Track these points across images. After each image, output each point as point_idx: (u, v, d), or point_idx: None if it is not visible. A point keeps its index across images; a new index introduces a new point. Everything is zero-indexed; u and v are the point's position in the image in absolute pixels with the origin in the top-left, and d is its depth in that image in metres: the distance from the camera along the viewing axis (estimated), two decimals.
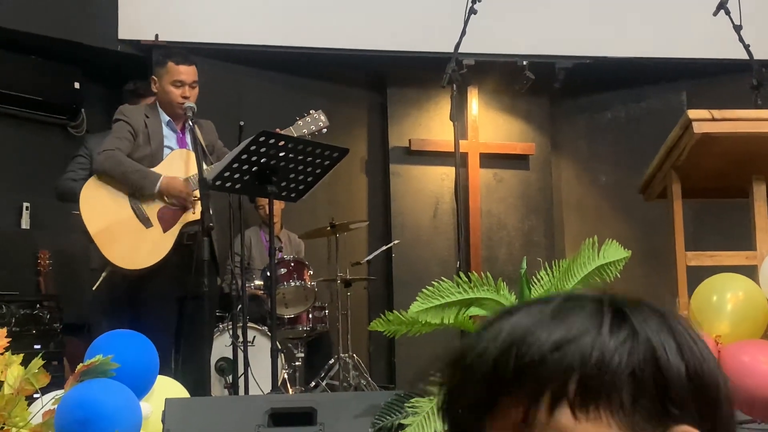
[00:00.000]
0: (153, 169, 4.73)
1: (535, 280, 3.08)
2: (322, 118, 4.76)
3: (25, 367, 3.02)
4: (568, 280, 3.04)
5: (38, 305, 5.82)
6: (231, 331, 5.29)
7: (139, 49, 6.66)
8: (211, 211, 4.51)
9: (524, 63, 7.20)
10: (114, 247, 4.61)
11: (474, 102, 7.71)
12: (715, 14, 5.04)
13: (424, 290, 2.94)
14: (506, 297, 2.94)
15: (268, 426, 2.87)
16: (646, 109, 7.86)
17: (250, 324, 5.36)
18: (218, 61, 6.72)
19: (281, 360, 5.69)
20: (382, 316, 3.00)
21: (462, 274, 3.05)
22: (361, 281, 6.97)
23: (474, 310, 2.94)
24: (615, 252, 3.11)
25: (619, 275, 3.17)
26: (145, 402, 3.19)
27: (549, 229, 7.98)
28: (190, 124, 4.75)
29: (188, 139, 4.85)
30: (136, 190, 4.71)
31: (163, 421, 2.98)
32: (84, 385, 3.00)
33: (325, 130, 4.74)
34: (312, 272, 6.20)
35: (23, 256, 6.40)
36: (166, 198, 4.68)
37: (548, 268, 3.12)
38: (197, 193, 4.58)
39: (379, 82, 7.79)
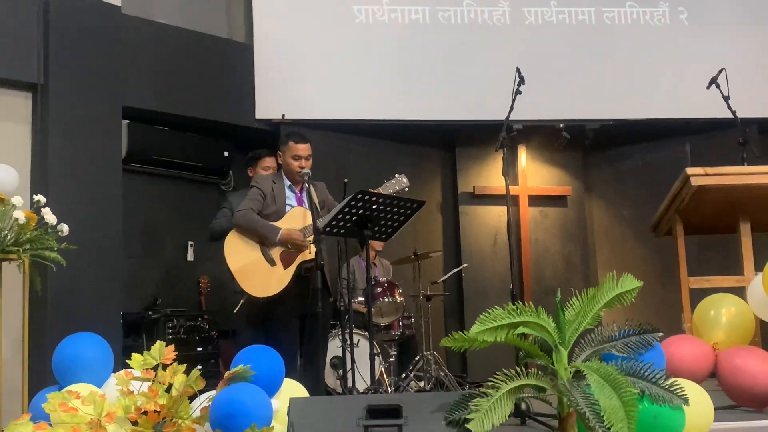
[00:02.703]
0: (276, 223, 4.84)
1: (569, 304, 3.04)
2: (404, 180, 4.85)
3: (187, 374, 3.05)
4: (594, 305, 3.02)
5: (199, 318, 6.12)
6: (341, 337, 5.39)
7: (270, 126, 6.89)
8: (323, 252, 4.56)
9: (561, 126, 7.28)
10: (248, 281, 4.78)
11: (523, 156, 7.90)
12: (707, 88, 5.19)
13: (481, 315, 2.93)
14: (545, 320, 2.94)
15: (366, 419, 2.88)
16: (658, 158, 7.89)
17: (355, 331, 5.42)
18: (329, 132, 6.92)
19: (379, 357, 5.80)
20: (452, 333, 3.02)
21: (511, 302, 3.11)
22: (439, 296, 7.05)
23: (521, 330, 2.93)
24: (630, 283, 3.05)
25: (634, 299, 3.05)
26: (275, 400, 3.25)
27: (584, 254, 8.08)
28: (306, 186, 4.85)
29: (305, 198, 4.93)
30: (263, 240, 4.85)
31: (288, 414, 2.96)
32: (230, 388, 3.04)
33: (407, 189, 4.81)
34: (401, 290, 6.28)
35: (189, 282, 6.63)
36: (286, 245, 4.79)
37: (578, 295, 3.05)
38: (311, 239, 4.72)
39: (449, 143, 7.95)
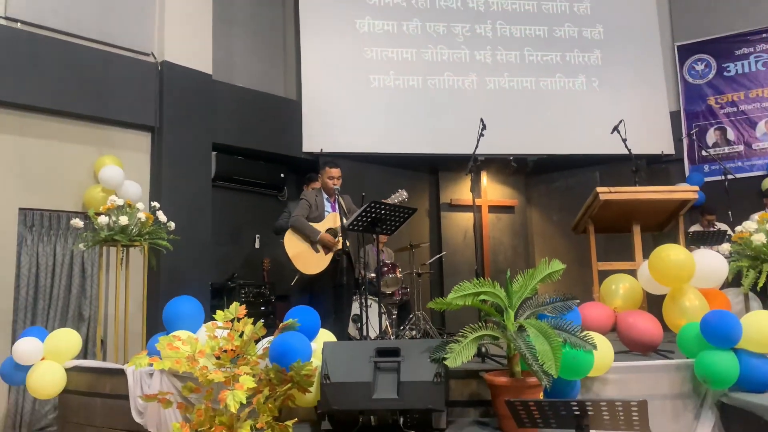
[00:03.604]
0: (316, 225, 4.76)
1: (516, 280, 3.02)
2: (405, 193, 4.82)
3: (254, 325, 3.04)
4: (532, 281, 3.02)
5: (263, 287, 6.15)
6: (359, 300, 5.38)
7: (312, 156, 6.83)
8: (347, 242, 4.65)
9: (511, 158, 7.08)
10: (300, 263, 4.71)
11: (485, 178, 7.84)
12: (611, 132, 5.08)
13: (455, 287, 2.96)
14: (499, 290, 2.95)
15: (375, 357, 2.88)
16: (577, 181, 7.81)
17: (369, 296, 5.24)
18: (352, 160, 6.80)
19: (385, 315, 5.60)
20: (435, 298, 3.01)
21: (476, 278, 3.05)
22: (426, 274, 6.88)
23: (482, 297, 2.94)
24: (556, 265, 3.06)
25: (560, 277, 3.06)
26: (314, 343, 3.25)
27: (526, 246, 8.03)
28: (337, 197, 4.84)
29: (336, 206, 4.87)
30: (308, 238, 4.77)
31: (323, 353, 2.98)
32: (283, 335, 3.08)
33: (406, 199, 4.78)
34: (400, 269, 6.22)
35: (256, 263, 6.61)
36: (322, 244, 4.71)
37: (522, 273, 3.05)
38: (340, 237, 4.69)
39: (434, 168, 7.85)
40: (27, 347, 3.60)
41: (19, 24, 4.82)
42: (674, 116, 7.83)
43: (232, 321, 3.02)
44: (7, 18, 4.77)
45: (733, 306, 3.84)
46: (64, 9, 5.08)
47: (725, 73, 7.66)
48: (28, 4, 4.87)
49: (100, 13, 5.31)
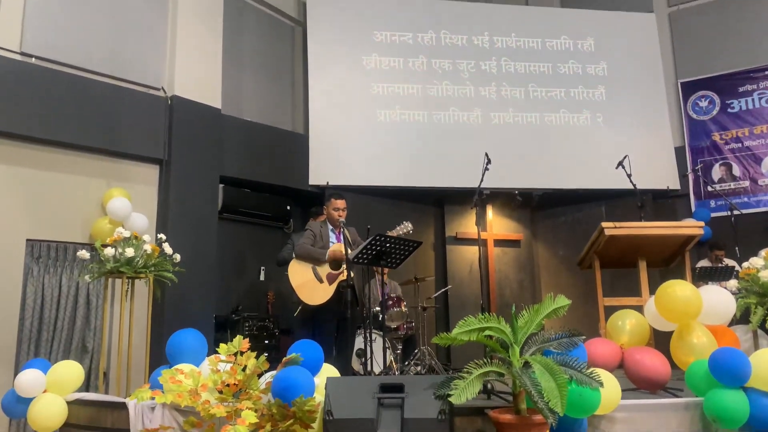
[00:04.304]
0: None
1: (521, 315, 2.97)
2: (409, 226, 4.74)
3: (257, 359, 3.03)
4: (538, 316, 2.96)
5: (267, 320, 6.04)
6: (363, 334, 5.22)
7: (319, 189, 6.81)
8: (352, 274, 4.48)
9: (516, 192, 7.32)
10: (304, 293, 4.69)
11: (490, 212, 7.79)
12: (616, 168, 5.15)
13: (460, 322, 2.93)
14: (504, 326, 2.91)
15: (379, 393, 2.84)
16: (582, 215, 7.81)
17: (373, 331, 5.10)
18: (358, 193, 6.77)
19: (389, 350, 5.67)
20: (440, 333, 2.97)
21: (481, 312, 3.02)
22: (432, 308, 6.74)
23: (487, 332, 2.91)
24: (562, 301, 3.02)
25: (566, 313, 3.00)
26: (317, 378, 3.20)
27: (532, 280, 7.94)
28: (342, 229, 4.82)
29: (341, 237, 4.84)
30: (316, 262, 4.72)
31: (326, 388, 2.93)
32: (286, 369, 3.04)
33: (411, 232, 4.69)
34: (405, 303, 6.07)
35: (260, 295, 6.52)
36: (331, 262, 4.63)
37: (527, 308, 3.00)
38: (345, 266, 4.60)
39: (440, 202, 7.82)
40: (29, 379, 3.58)
41: (33, 59, 4.93)
42: (679, 152, 7.85)
43: (235, 354, 3.01)
44: (22, 53, 4.87)
45: (741, 343, 3.80)
46: (78, 44, 5.20)
47: (729, 110, 7.71)
48: (43, 40, 4.98)
49: (112, 48, 5.42)
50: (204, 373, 3.05)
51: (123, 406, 3.40)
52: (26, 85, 4.79)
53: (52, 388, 3.65)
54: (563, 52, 8.03)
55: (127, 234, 4.45)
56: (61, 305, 4.85)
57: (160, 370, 3.16)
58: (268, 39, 7.27)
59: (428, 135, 7.41)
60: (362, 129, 7.23)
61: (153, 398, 2.89)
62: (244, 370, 2.96)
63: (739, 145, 7.61)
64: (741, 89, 7.67)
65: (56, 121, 4.94)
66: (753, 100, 7.60)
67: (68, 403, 3.65)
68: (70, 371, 3.70)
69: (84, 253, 4.45)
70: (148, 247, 4.46)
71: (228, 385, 2.90)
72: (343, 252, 4.61)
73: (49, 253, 4.87)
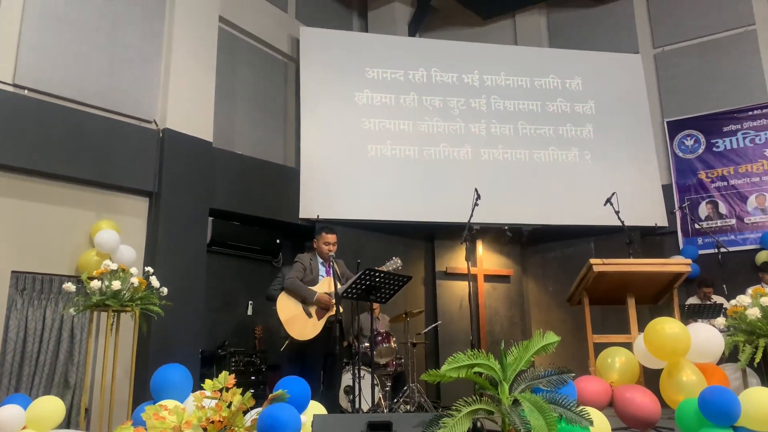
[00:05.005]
0: (312, 287, 4.70)
1: (510, 352, 2.97)
2: (399, 261, 4.73)
3: (243, 396, 2.98)
4: (527, 353, 2.97)
5: (254, 356, 5.97)
6: (351, 371, 5.30)
7: (309, 222, 6.81)
8: (341, 309, 4.49)
9: (506, 227, 7.34)
10: (292, 328, 4.60)
11: (480, 247, 7.80)
12: (605, 205, 5.19)
13: (449, 358, 2.92)
14: (493, 362, 2.90)
15: (367, 431, 2.81)
16: (572, 251, 7.82)
17: (362, 367, 5.29)
18: (348, 227, 6.83)
19: (378, 387, 5.63)
20: (430, 370, 2.98)
21: (471, 348, 3.00)
22: (421, 344, 6.78)
23: (476, 369, 2.90)
24: (551, 337, 3.03)
25: (555, 349, 3.02)
26: (303, 416, 3.13)
27: (522, 316, 7.89)
28: (332, 263, 4.79)
29: (331, 271, 4.79)
30: (304, 300, 4.69)
31: (312, 426, 2.90)
32: (272, 406, 2.98)
33: (400, 267, 4.69)
34: (395, 338, 6.04)
35: (248, 330, 6.46)
36: (318, 304, 4.64)
37: (516, 344, 3.01)
38: (334, 300, 4.59)
39: (430, 236, 7.82)
40: (8, 415, 3.49)
41: (26, 91, 4.95)
42: (666, 189, 7.94)
43: (220, 390, 2.97)
44: (15, 85, 4.90)
45: (731, 382, 3.79)
46: (71, 77, 5.24)
47: (714, 149, 7.83)
48: (36, 72, 5.02)
49: (106, 82, 5.46)
50: (188, 409, 2.98)
51: None
52: (18, 117, 4.81)
53: (32, 424, 3.56)
54: (552, 91, 8.17)
55: (114, 266, 4.41)
56: (44, 339, 4.77)
57: (143, 406, 3.09)
58: (261, 74, 7.36)
59: (419, 170, 7.45)
60: (353, 164, 7.28)
61: None
62: (229, 406, 2.91)
63: (725, 183, 7.71)
64: (725, 129, 7.80)
65: (46, 152, 4.94)
66: (737, 139, 7.73)
67: None
68: (51, 407, 3.61)
69: (69, 286, 4.40)
70: (135, 280, 4.42)
71: (213, 422, 2.84)
72: (332, 299, 4.61)
73: (34, 285, 4.82)
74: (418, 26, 9.05)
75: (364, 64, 7.70)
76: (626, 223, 5.19)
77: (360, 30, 9.17)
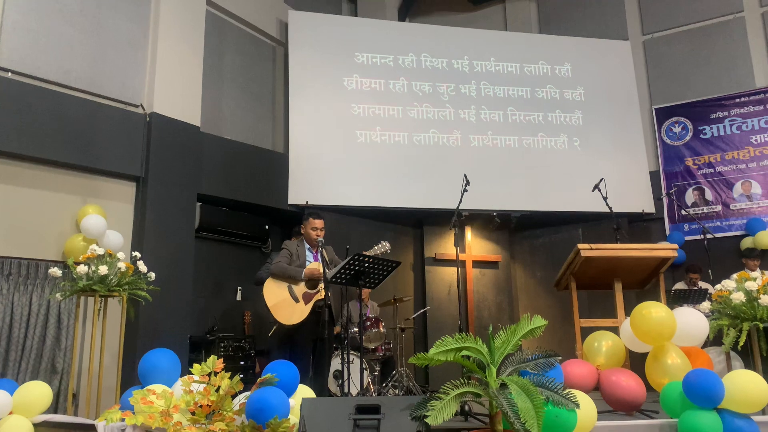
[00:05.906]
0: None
1: (498, 335, 2.97)
2: (387, 245, 4.74)
3: (231, 380, 3.01)
4: (514, 337, 2.96)
5: (243, 341, 5.95)
6: (340, 355, 5.08)
7: (298, 208, 6.78)
8: (330, 294, 4.45)
9: (494, 213, 7.35)
10: (280, 313, 4.59)
11: (469, 233, 7.83)
12: (592, 191, 5.16)
13: (437, 342, 2.91)
14: (481, 346, 2.90)
15: (355, 414, 2.82)
16: (559, 237, 7.84)
17: (351, 352, 5.21)
18: (337, 213, 6.84)
19: (367, 371, 5.63)
20: (418, 353, 2.96)
21: (457, 333, 2.99)
22: (410, 329, 6.79)
23: (464, 352, 2.89)
24: (539, 321, 3.01)
25: (542, 333, 3.00)
26: (292, 399, 3.16)
27: (510, 301, 7.93)
28: (320, 248, 4.78)
29: (319, 257, 4.80)
30: (292, 280, 4.68)
31: (301, 410, 2.89)
32: (260, 390, 2.99)
33: (389, 251, 4.70)
34: (384, 324, 6.03)
35: (236, 315, 6.46)
36: (308, 281, 4.57)
37: (504, 329, 3.00)
38: (322, 285, 4.54)
39: (419, 223, 7.83)
40: None
41: (10, 74, 4.87)
42: (654, 176, 7.98)
43: (209, 375, 2.96)
44: None
45: (715, 365, 3.85)
46: (57, 60, 5.15)
47: (701, 136, 7.87)
48: (20, 55, 4.93)
49: (91, 65, 5.39)
50: (177, 394, 2.98)
51: (92, 428, 3.31)
52: (1, 100, 4.73)
53: (19, 409, 3.54)
54: (541, 77, 8.15)
55: (101, 251, 4.38)
56: (31, 324, 4.73)
57: (131, 390, 3.08)
58: (250, 58, 7.28)
59: (408, 156, 7.43)
60: (342, 149, 7.25)
61: (123, 420, 2.81)
62: (217, 390, 2.91)
63: (712, 170, 7.76)
64: (713, 116, 7.85)
65: (32, 136, 4.87)
66: (724, 126, 7.77)
67: (35, 425, 3.55)
68: (38, 392, 3.60)
69: (56, 271, 4.36)
70: (122, 265, 4.39)
71: (201, 406, 2.84)
72: (321, 271, 4.56)
73: (20, 271, 4.77)
74: (407, 11, 8.99)
75: (353, 48, 7.63)
76: (614, 210, 5.22)
77: (349, 14, 9.08)
